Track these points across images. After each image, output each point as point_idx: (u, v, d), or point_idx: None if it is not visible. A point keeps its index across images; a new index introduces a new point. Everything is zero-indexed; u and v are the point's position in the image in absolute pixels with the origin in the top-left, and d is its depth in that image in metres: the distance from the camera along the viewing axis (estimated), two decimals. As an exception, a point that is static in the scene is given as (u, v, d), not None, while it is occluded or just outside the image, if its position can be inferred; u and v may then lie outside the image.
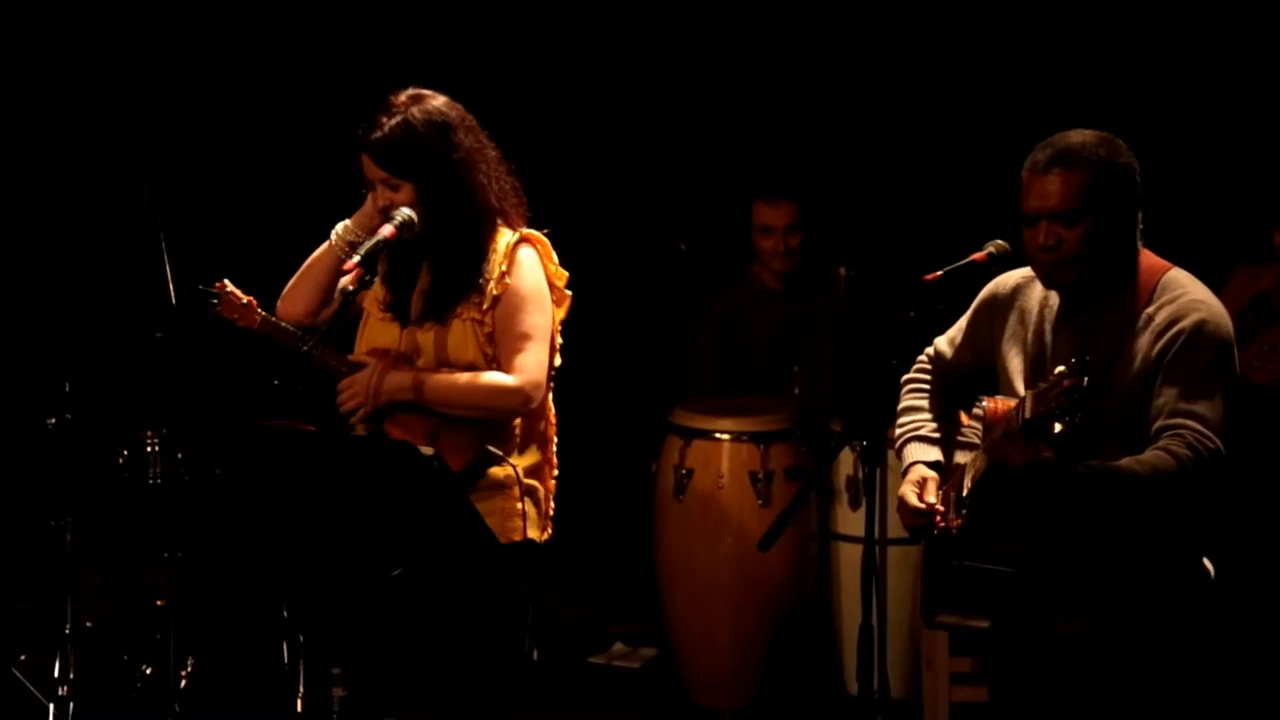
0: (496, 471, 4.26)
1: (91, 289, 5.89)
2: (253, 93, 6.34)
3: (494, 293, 4.23)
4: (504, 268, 4.23)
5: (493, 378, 4.22)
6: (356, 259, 4.05)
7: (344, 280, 4.05)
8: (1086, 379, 3.44)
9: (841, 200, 6.42)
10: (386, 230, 4.13)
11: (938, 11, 6.37)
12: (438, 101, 4.24)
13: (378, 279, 4.27)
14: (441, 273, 4.26)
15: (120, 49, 6.19)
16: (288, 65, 6.35)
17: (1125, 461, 3.65)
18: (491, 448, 4.24)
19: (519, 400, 4.23)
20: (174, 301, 5.33)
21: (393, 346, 4.31)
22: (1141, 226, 3.84)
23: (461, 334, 4.24)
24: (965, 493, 3.87)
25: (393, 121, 4.19)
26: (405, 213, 4.16)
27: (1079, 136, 3.79)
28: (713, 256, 6.48)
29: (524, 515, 4.27)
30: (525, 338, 4.23)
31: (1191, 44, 6.08)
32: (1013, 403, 3.74)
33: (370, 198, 4.28)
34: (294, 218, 6.13)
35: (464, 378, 4.22)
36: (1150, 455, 3.67)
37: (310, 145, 6.26)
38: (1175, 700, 3.79)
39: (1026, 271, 3.93)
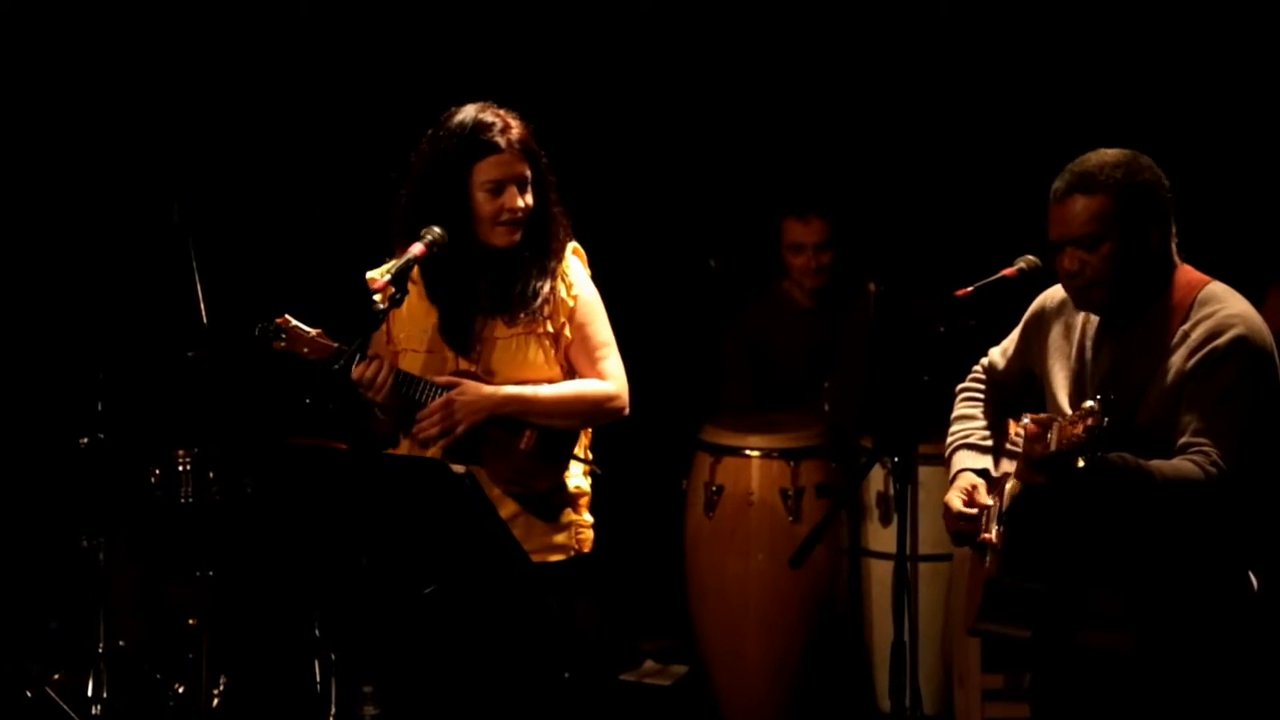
0: (568, 484, 4.29)
1: (123, 308, 5.91)
2: (281, 110, 6.36)
3: (569, 304, 4.25)
4: (570, 279, 4.26)
5: (593, 387, 4.27)
6: (387, 277, 4.04)
7: (376, 299, 4.04)
8: (1108, 419, 3.44)
9: (871, 216, 6.41)
10: (417, 249, 4.12)
11: (965, 29, 6.37)
12: None
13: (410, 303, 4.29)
14: (527, 279, 4.26)
15: (149, 68, 6.21)
16: (316, 83, 6.37)
17: (1156, 461, 3.65)
18: (577, 455, 4.28)
19: (617, 406, 4.29)
20: (205, 321, 5.35)
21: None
22: (1176, 240, 3.82)
23: (539, 350, 4.25)
24: (1004, 509, 3.86)
25: (517, 122, 4.25)
26: (436, 231, 4.16)
27: (1097, 159, 3.78)
28: (742, 273, 6.47)
29: (593, 525, 4.32)
30: (605, 344, 4.31)
31: (1227, 55, 6.06)
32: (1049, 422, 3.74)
33: (497, 205, 4.26)
34: (324, 234, 6.19)
35: (564, 389, 4.25)
36: (1177, 461, 3.66)
37: (340, 163, 6.29)
38: (1219, 715, 3.77)
39: None
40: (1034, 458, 3.61)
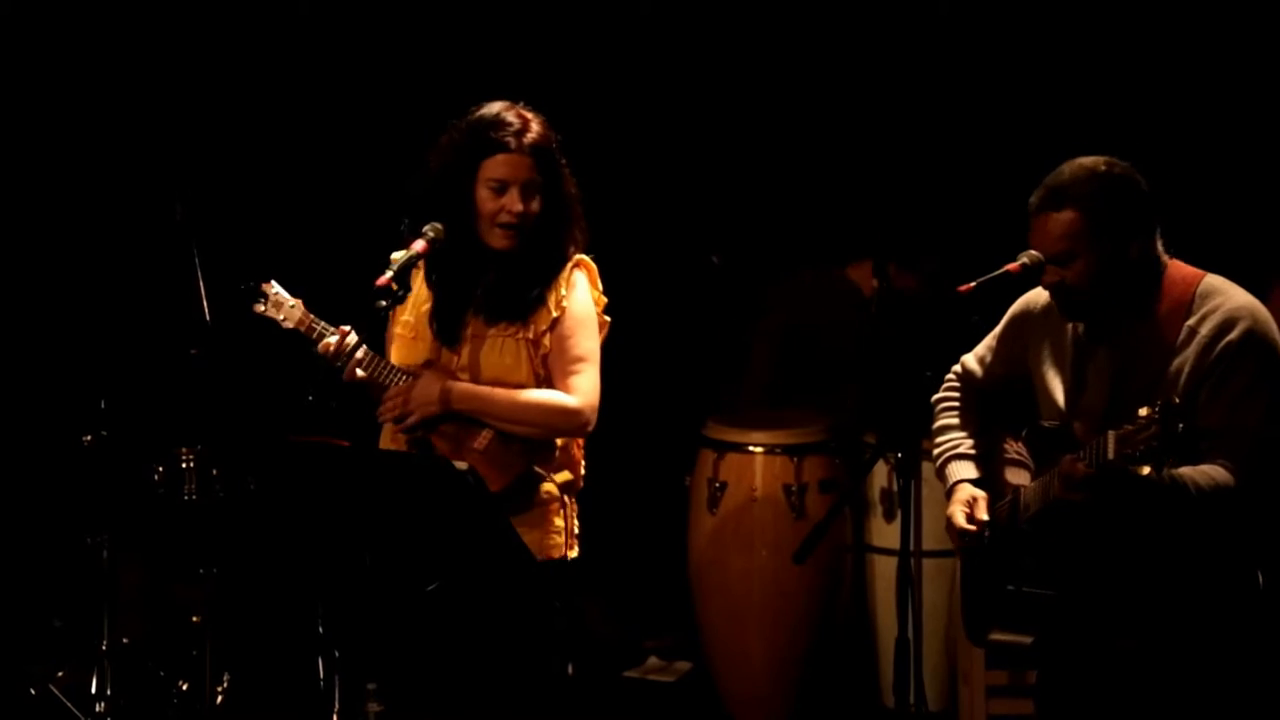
0: (539, 490, 4.26)
1: (126, 307, 5.92)
2: (283, 109, 6.36)
3: (553, 314, 4.24)
4: (563, 290, 4.24)
5: (554, 397, 4.23)
6: (390, 274, 4.05)
7: (383, 292, 4.04)
8: (1182, 425, 3.42)
9: (873, 209, 6.41)
10: (419, 245, 4.13)
11: (967, 29, 6.37)
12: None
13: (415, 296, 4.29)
14: (520, 285, 4.26)
15: (152, 68, 6.22)
16: (318, 82, 6.37)
17: (1186, 470, 3.63)
18: (537, 467, 4.25)
19: (579, 422, 4.24)
20: (208, 319, 5.35)
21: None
22: (1163, 240, 3.80)
23: (514, 353, 4.24)
24: (1021, 521, 3.86)
25: (538, 127, 4.23)
26: (437, 227, 4.16)
27: (1070, 171, 3.75)
28: (744, 269, 6.47)
29: (565, 531, 4.28)
30: (581, 360, 4.25)
31: (1228, 51, 6.06)
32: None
33: (495, 207, 4.23)
34: (327, 233, 6.19)
35: (525, 395, 4.23)
36: (1209, 468, 3.65)
37: (342, 161, 6.29)
38: (1225, 712, 3.76)
39: None
40: (1076, 476, 3.60)
